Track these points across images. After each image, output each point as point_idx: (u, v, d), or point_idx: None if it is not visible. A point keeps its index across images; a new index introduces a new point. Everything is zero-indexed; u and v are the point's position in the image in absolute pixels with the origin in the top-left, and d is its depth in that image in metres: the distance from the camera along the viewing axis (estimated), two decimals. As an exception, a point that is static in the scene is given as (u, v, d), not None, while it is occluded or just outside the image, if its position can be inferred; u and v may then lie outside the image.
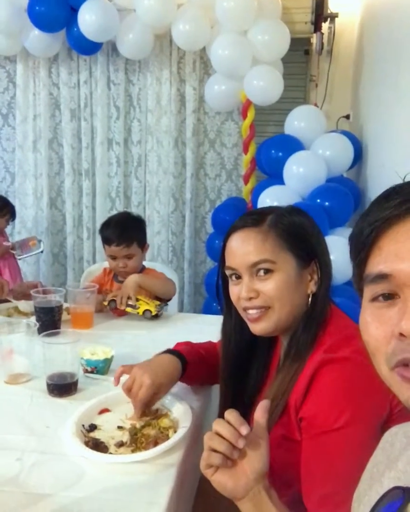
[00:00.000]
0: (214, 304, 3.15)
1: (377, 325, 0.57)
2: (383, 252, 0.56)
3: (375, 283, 0.57)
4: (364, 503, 0.62)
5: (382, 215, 0.56)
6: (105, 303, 1.86)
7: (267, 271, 1.01)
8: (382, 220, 0.56)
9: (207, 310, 3.07)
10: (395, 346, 0.55)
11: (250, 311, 1.04)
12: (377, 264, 0.57)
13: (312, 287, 1.04)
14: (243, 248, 1.03)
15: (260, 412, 0.83)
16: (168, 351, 1.27)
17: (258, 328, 1.04)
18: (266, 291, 1.01)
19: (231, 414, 0.80)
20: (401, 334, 0.53)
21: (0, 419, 1.19)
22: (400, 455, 0.61)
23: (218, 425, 0.80)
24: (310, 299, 1.04)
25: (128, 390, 1.18)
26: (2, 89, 3.50)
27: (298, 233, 1.04)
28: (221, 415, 1.15)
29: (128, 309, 1.82)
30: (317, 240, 1.06)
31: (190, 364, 1.25)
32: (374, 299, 0.58)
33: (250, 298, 1.03)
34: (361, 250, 0.59)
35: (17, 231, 3.58)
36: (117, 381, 1.22)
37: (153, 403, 1.20)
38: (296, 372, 0.99)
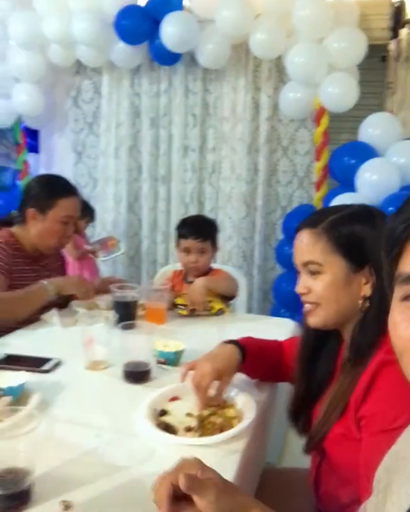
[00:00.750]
0: (282, 310, 3.17)
1: (407, 325, 0.55)
2: None
3: (407, 283, 0.55)
4: (393, 501, 0.61)
5: None
6: (182, 312, 1.94)
7: (315, 271, 1.08)
8: None
9: (275, 316, 3.10)
10: None
11: (305, 305, 1.12)
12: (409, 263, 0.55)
13: (366, 290, 1.05)
14: (299, 246, 1.12)
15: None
16: (228, 341, 1.32)
17: (310, 321, 1.12)
18: (315, 289, 1.09)
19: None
20: None
21: (82, 400, 1.30)
22: None
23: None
24: (364, 301, 1.06)
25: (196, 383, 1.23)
26: (88, 99, 3.71)
27: (351, 239, 1.06)
28: (292, 408, 1.21)
29: (204, 313, 1.93)
30: (375, 245, 1.08)
31: (250, 353, 1.30)
32: (405, 298, 0.56)
33: (303, 293, 1.11)
34: (393, 247, 0.57)
35: (97, 233, 3.78)
36: (183, 377, 1.28)
37: (220, 393, 1.23)
38: (356, 373, 1.02)
